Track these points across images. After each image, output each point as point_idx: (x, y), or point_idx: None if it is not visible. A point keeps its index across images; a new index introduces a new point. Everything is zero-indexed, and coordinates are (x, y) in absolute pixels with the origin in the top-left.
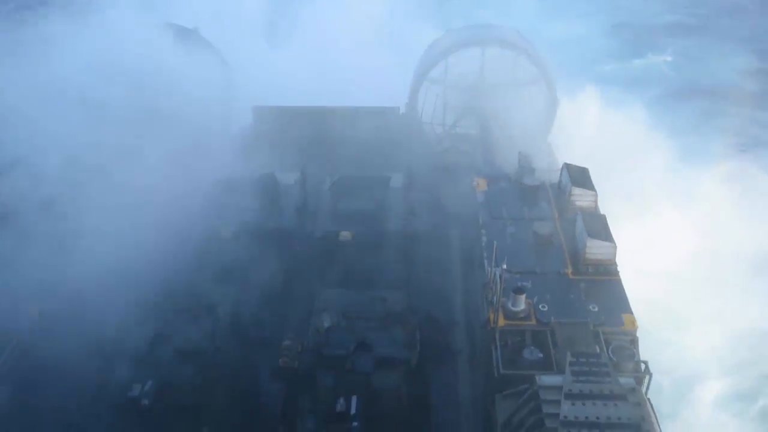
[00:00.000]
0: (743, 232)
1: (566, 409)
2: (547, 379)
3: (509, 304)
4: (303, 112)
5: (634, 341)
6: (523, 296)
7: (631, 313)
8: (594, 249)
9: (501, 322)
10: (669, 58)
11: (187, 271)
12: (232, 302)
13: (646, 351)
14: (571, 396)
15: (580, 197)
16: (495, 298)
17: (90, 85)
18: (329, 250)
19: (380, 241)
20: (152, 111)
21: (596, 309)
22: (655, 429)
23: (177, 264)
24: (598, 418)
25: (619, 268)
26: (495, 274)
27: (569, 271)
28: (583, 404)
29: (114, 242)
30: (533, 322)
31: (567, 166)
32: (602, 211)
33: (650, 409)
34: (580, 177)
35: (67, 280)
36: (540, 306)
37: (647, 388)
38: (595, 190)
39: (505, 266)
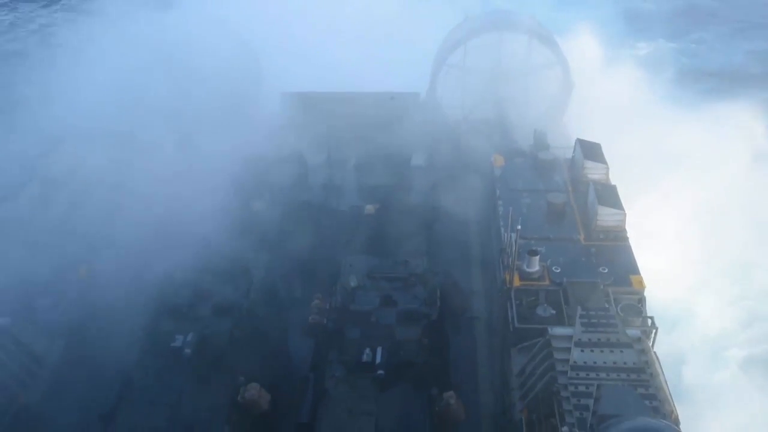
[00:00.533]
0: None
1: (576, 355)
2: (558, 330)
3: (524, 266)
4: (329, 98)
5: (641, 300)
6: (537, 258)
7: (639, 274)
8: (605, 216)
9: (516, 282)
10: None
11: (223, 237)
12: (264, 267)
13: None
14: (580, 344)
15: (592, 170)
16: (510, 260)
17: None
18: (354, 223)
19: (402, 214)
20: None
21: (606, 271)
22: (659, 374)
23: (214, 231)
24: (605, 363)
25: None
26: (510, 237)
27: (581, 237)
28: (592, 351)
29: (159, 210)
30: (547, 282)
31: (580, 142)
32: (613, 182)
33: (654, 357)
34: (592, 151)
35: (115, 244)
36: (553, 268)
37: (653, 341)
38: (606, 163)
39: (519, 227)
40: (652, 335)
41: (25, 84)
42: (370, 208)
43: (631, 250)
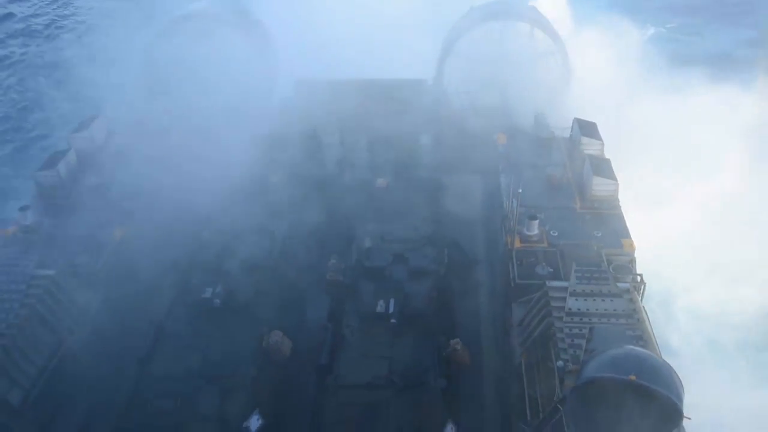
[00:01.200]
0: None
1: (570, 303)
2: (555, 283)
3: (524, 230)
4: (342, 84)
5: (632, 260)
6: (536, 222)
7: (630, 238)
8: (599, 186)
9: (517, 244)
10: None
11: (246, 205)
12: (284, 233)
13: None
14: (575, 294)
15: (588, 145)
16: (512, 223)
17: None
18: (367, 194)
19: (411, 187)
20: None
21: (600, 234)
22: (644, 320)
23: (238, 201)
24: (596, 309)
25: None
26: (512, 203)
27: (577, 205)
28: (585, 300)
29: (186, 181)
30: (545, 244)
31: (577, 120)
32: (607, 156)
33: (642, 308)
34: (588, 129)
35: (149, 209)
36: (551, 232)
37: (642, 295)
38: (601, 140)
39: (520, 190)
40: (641, 290)
41: None
42: (381, 182)
43: (622, 217)
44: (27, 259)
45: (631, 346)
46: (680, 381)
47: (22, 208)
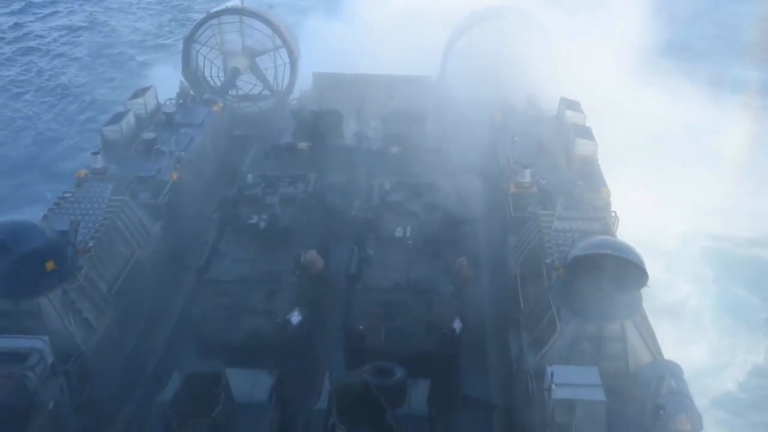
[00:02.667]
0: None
1: (557, 224)
2: (544, 212)
3: (518, 178)
4: (356, 78)
5: (608, 204)
6: (528, 170)
7: (607, 186)
8: (581, 146)
9: (512, 188)
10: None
11: (281, 162)
12: (314, 180)
13: None
14: (560, 217)
15: (572, 116)
16: (508, 168)
17: None
18: (381, 159)
19: (420, 153)
20: None
21: (581, 183)
22: (615, 235)
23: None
24: (578, 228)
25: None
26: (508, 155)
27: (563, 163)
28: (569, 222)
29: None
30: (535, 189)
31: (563, 99)
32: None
33: (615, 231)
34: (572, 105)
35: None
36: (540, 180)
37: (616, 230)
38: (583, 113)
39: (516, 139)
40: (615, 225)
41: None
42: (394, 149)
43: (601, 172)
44: (104, 186)
45: (607, 237)
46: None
47: (94, 153)
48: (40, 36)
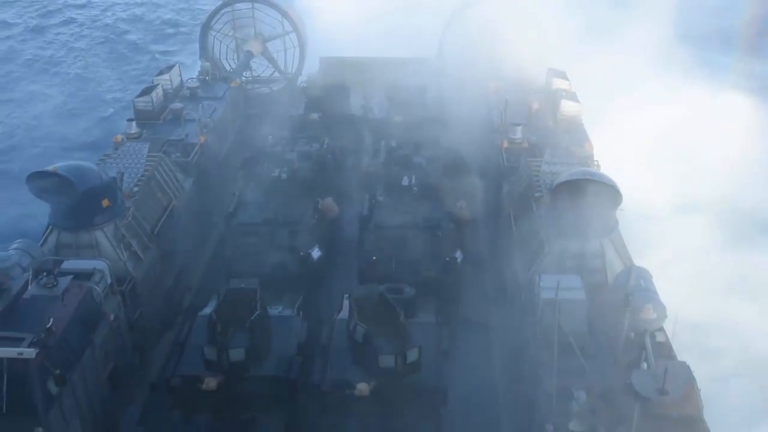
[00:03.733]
0: None
1: (545, 167)
2: (533, 159)
3: (510, 135)
4: (360, 61)
5: (591, 156)
6: (520, 127)
7: (590, 141)
8: (566, 107)
9: (505, 144)
10: None
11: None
12: (328, 141)
13: None
14: (548, 163)
15: (558, 83)
16: (501, 127)
17: None
18: (386, 126)
19: (422, 122)
20: None
21: (567, 138)
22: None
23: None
24: (563, 169)
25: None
26: (502, 114)
27: (551, 123)
28: (555, 165)
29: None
30: (526, 144)
31: (550, 69)
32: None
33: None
34: (559, 73)
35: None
36: (530, 137)
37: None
38: (569, 80)
39: (507, 98)
40: (596, 165)
41: None
42: (398, 118)
43: (585, 130)
44: (141, 146)
45: (588, 168)
46: None
47: (129, 119)
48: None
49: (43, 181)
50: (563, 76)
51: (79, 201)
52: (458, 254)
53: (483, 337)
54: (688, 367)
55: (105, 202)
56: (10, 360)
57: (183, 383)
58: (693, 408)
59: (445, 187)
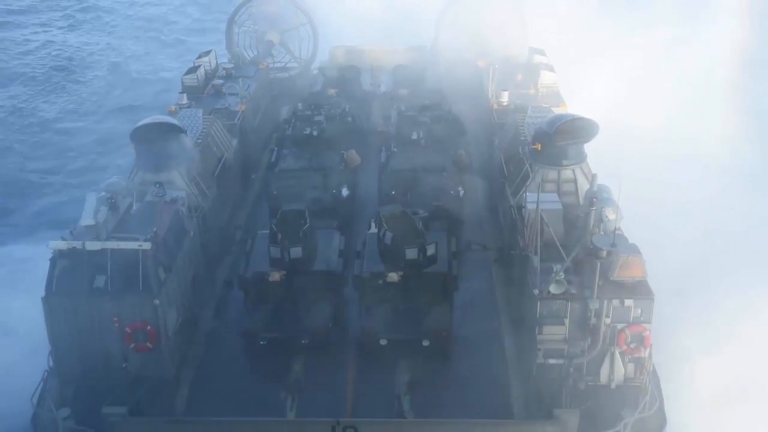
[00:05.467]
0: None
1: (528, 120)
2: (519, 114)
3: (499, 98)
4: (365, 49)
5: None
6: (507, 92)
7: (565, 103)
8: (545, 77)
9: (495, 106)
10: None
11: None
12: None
13: None
14: (530, 117)
15: (538, 58)
16: (491, 92)
17: None
18: (391, 99)
19: (424, 93)
20: None
21: (547, 101)
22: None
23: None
24: (541, 118)
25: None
26: (491, 80)
27: (532, 92)
28: (536, 119)
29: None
30: (512, 106)
31: (531, 48)
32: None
33: None
34: (539, 51)
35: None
36: (516, 100)
37: None
38: (547, 56)
39: (496, 66)
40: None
41: None
42: (403, 91)
43: (561, 95)
44: (196, 111)
45: (575, 113)
46: None
47: (180, 92)
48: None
49: (148, 130)
50: (542, 53)
51: (164, 146)
52: (460, 189)
53: (480, 255)
54: (635, 244)
55: (180, 149)
56: (133, 251)
57: (254, 276)
58: (639, 271)
59: (447, 141)
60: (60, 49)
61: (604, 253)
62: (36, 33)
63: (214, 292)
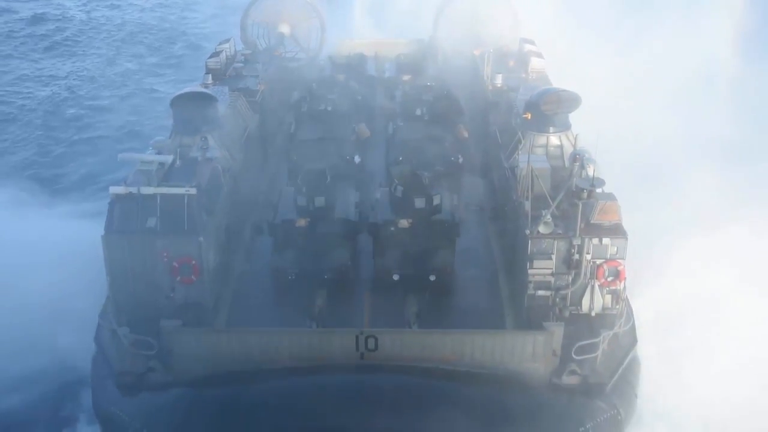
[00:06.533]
0: None
1: (520, 96)
2: (512, 92)
3: (494, 81)
4: (370, 42)
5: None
6: (500, 75)
7: (553, 86)
8: (535, 64)
9: (490, 88)
10: None
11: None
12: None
13: None
14: (522, 94)
15: (529, 47)
16: (485, 77)
17: None
18: (394, 83)
19: (424, 79)
20: None
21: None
22: None
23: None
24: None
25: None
26: (485, 61)
27: (523, 76)
28: (527, 95)
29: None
30: (505, 88)
31: (522, 38)
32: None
33: None
34: (529, 40)
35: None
36: (508, 82)
37: None
38: (536, 45)
39: (491, 50)
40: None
41: None
42: (405, 77)
43: (550, 81)
44: (222, 87)
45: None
46: None
47: (206, 73)
48: None
49: (186, 98)
50: (532, 42)
51: (199, 111)
52: (459, 157)
53: (477, 214)
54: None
55: (213, 116)
56: (180, 195)
57: (282, 223)
58: (615, 215)
59: (447, 117)
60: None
61: (586, 194)
62: None
63: (244, 242)
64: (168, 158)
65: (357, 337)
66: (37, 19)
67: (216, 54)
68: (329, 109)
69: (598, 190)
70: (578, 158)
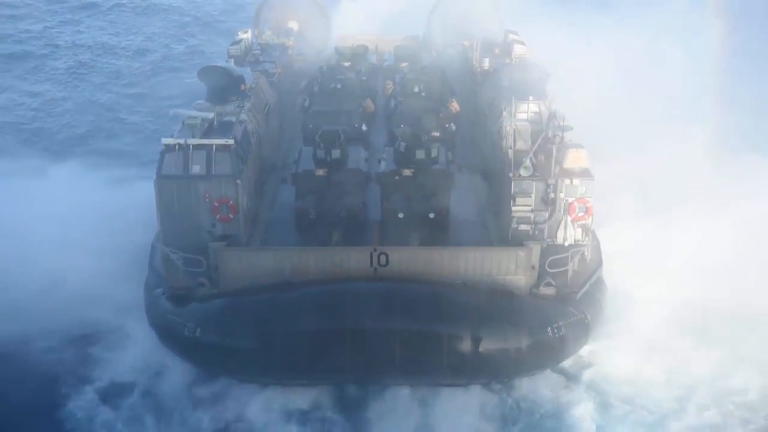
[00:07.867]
0: None
1: (504, 80)
2: (497, 74)
3: (482, 65)
4: (369, 38)
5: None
6: (488, 59)
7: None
8: (518, 50)
9: (479, 69)
10: None
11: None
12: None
13: None
14: (507, 72)
15: (512, 37)
16: (475, 61)
17: None
18: (394, 70)
19: (422, 67)
20: None
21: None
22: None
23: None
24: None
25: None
26: (476, 50)
27: (508, 61)
28: (512, 74)
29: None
30: (492, 71)
31: (506, 30)
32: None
33: None
34: (512, 31)
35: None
36: (498, 68)
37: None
38: (518, 35)
39: (481, 38)
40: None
41: None
42: (404, 64)
43: (528, 60)
44: (245, 68)
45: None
46: None
47: (228, 58)
48: None
49: (218, 71)
50: (515, 33)
51: (229, 84)
52: (453, 125)
53: (468, 174)
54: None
55: (244, 86)
56: (220, 145)
57: (304, 173)
58: (583, 161)
59: (442, 95)
60: None
61: (558, 139)
62: None
63: (268, 194)
64: (210, 114)
65: (371, 254)
66: None
67: (236, 42)
68: (339, 87)
69: (568, 139)
70: (552, 115)
